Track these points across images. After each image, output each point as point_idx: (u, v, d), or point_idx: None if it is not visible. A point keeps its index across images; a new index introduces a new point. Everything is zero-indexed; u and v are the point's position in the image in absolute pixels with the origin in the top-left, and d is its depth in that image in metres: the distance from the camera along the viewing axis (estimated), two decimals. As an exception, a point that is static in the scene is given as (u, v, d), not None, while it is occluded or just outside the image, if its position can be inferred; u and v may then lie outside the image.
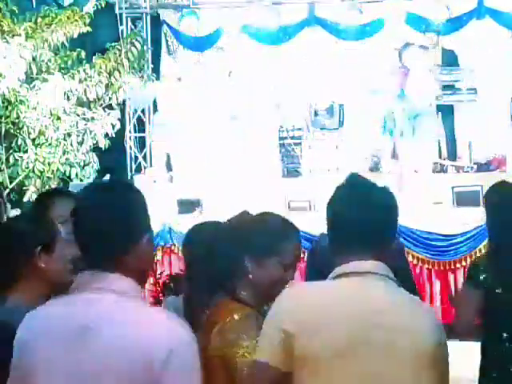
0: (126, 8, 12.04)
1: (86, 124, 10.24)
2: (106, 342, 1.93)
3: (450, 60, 10.19)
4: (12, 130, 9.98)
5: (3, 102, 9.76)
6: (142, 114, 11.76)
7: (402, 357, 2.17)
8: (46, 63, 10.23)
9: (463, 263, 8.21)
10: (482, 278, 3.82)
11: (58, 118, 9.96)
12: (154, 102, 10.89)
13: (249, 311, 2.66)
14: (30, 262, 2.64)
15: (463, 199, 8.86)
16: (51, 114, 9.88)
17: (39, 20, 10.24)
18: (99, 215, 2.02)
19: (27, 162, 9.89)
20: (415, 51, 9.45)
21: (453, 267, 8.20)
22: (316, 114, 10.78)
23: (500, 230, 3.88)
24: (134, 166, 11.79)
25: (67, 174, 10.24)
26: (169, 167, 10.33)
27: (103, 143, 10.34)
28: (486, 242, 8.05)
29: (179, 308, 3.22)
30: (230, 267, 2.75)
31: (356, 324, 2.19)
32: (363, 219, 2.25)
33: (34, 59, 9.93)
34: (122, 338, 1.92)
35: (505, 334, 3.80)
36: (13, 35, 9.73)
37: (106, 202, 2.04)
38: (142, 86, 10.22)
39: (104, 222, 2.01)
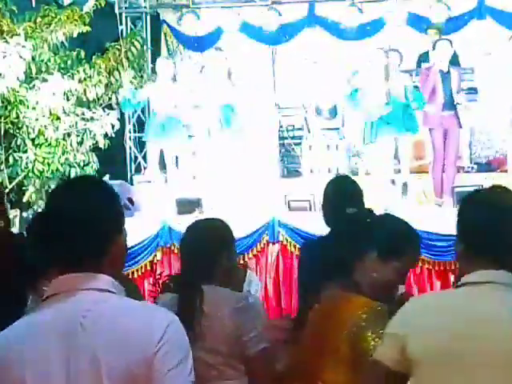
0: (125, 8, 12.04)
1: (85, 124, 10.22)
2: (99, 339, 1.93)
3: (450, 60, 10.16)
4: (11, 130, 9.96)
5: (2, 102, 9.75)
6: (141, 114, 11.75)
7: (504, 366, 2.19)
8: (46, 63, 10.22)
9: (463, 263, 8.19)
10: None
11: (58, 118, 9.94)
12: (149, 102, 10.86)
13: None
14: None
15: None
16: (51, 114, 9.87)
17: (39, 20, 10.22)
18: (75, 215, 2.00)
19: (26, 162, 9.87)
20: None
21: (453, 267, 8.17)
22: (316, 113, 10.76)
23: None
24: (133, 166, 11.78)
25: (67, 174, 10.22)
26: (167, 167, 10.31)
27: (103, 143, 10.33)
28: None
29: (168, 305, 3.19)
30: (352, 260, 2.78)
31: (459, 333, 2.22)
32: (495, 230, 2.29)
33: (33, 59, 9.91)
34: (113, 332, 1.94)
35: None
36: (12, 35, 9.72)
37: (79, 202, 2.03)
38: (133, 88, 10.20)
39: (80, 223, 2.00)
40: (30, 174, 9.95)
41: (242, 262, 7.81)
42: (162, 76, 9.99)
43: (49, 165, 9.96)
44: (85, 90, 10.36)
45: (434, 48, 9.61)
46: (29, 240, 2.38)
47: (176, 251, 8.70)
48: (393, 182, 9.61)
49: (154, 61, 11.63)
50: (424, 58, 10.67)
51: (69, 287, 2.00)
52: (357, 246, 2.81)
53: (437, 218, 8.54)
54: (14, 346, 1.96)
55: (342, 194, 4.07)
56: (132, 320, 1.96)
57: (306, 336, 2.87)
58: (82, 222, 2.00)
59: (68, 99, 10.13)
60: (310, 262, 4.05)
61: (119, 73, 10.78)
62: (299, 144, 11.02)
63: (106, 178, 10.57)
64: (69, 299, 1.98)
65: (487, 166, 10.59)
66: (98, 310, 1.97)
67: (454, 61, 10.14)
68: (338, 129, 10.41)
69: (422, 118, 9.48)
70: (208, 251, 3.36)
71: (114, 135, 10.46)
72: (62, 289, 2.01)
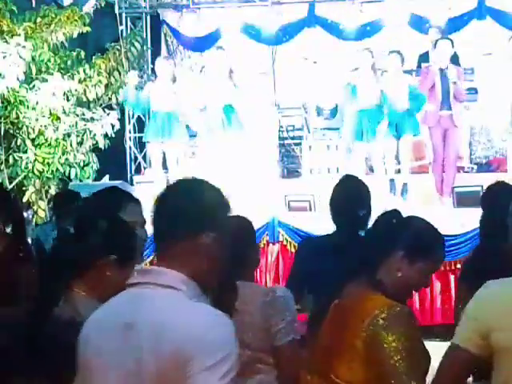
0: (125, 8, 12.05)
1: (85, 124, 10.22)
2: (143, 337, 1.96)
3: (450, 60, 10.16)
4: (11, 131, 9.97)
5: (3, 102, 9.75)
6: (141, 114, 11.75)
7: None
8: (46, 63, 10.22)
9: (464, 264, 8.19)
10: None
11: (58, 119, 9.94)
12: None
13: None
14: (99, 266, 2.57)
15: (463, 199, 8.84)
16: (51, 114, 9.87)
17: (39, 20, 10.23)
18: (164, 210, 2.08)
19: (27, 163, 9.88)
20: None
21: (453, 268, 8.15)
22: (316, 114, 10.76)
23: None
24: (133, 167, 11.78)
25: (67, 174, 10.23)
26: (167, 168, 10.31)
27: (103, 143, 10.33)
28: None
29: None
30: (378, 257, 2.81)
31: None
32: None
33: (33, 59, 9.92)
34: (155, 332, 1.95)
35: None
36: (12, 35, 9.72)
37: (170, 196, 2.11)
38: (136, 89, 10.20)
39: (163, 217, 2.07)
40: (30, 175, 9.95)
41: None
42: (162, 76, 9.99)
43: (49, 165, 9.97)
44: (85, 91, 10.37)
45: (434, 47, 9.62)
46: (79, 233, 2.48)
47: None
48: (393, 182, 9.61)
49: (153, 61, 11.61)
50: (424, 58, 10.67)
51: (139, 280, 2.06)
52: (382, 244, 2.83)
53: (437, 218, 8.53)
54: (83, 336, 2.09)
55: (354, 196, 4.11)
56: (175, 319, 1.95)
57: (324, 330, 2.88)
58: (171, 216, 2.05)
59: (68, 99, 10.14)
60: (316, 260, 4.07)
61: (119, 73, 10.79)
62: (299, 144, 11.01)
63: (106, 178, 10.59)
64: (131, 294, 2.05)
65: (487, 166, 10.59)
66: (149, 308, 1.99)
67: (454, 61, 10.14)
68: (338, 129, 10.40)
69: (422, 116, 9.49)
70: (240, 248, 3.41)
71: (114, 135, 10.46)
72: (133, 280, 2.08)
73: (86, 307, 2.39)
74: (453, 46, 9.55)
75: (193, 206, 2.06)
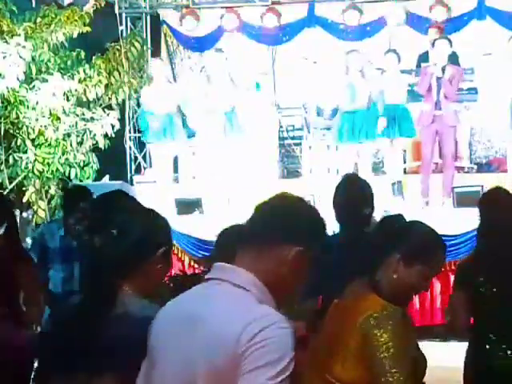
0: (125, 8, 12.05)
1: (85, 124, 10.22)
2: (207, 332, 2.00)
3: (450, 60, 10.16)
4: (11, 131, 9.96)
5: (3, 102, 9.74)
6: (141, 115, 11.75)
7: None
8: (46, 63, 10.22)
9: (463, 264, 8.19)
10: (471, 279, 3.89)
11: (58, 119, 9.94)
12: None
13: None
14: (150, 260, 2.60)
15: (463, 199, 8.85)
16: (51, 115, 9.86)
17: (39, 20, 10.22)
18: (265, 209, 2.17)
19: (26, 163, 9.87)
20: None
21: (453, 268, 8.13)
22: (316, 114, 10.76)
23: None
24: (133, 167, 11.78)
25: (67, 174, 10.22)
26: (166, 168, 10.32)
27: (103, 143, 10.33)
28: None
29: None
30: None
31: None
32: None
33: (33, 59, 9.91)
34: (215, 334, 1.98)
35: (491, 336, 3.84)
36: (12, 35, 9.72)
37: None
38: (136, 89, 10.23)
39: (257, 221, 2.15)
40: (30, 175, 9.94)
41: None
42: (157, 77, 10.01)
43: (49, 165, 9.96)
44: (85, 91, 10.36)
45: (433, 47, 9.62)
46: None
47: (176, 251, 8.71)
48: (392, 181, 9.61)
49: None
50: (424, 58, 10.67)
51: (214, 276, 2.12)
52: (383, 247, 2.85)
53: (437, 218, 8.54)
54: (153, 328, 2.18)
55: (358, 194, 4.12)
56: (236, 318, 1.97)
57: (324, 330, 2.91)
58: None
59: (68, 99, 10.13)
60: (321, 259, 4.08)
61: (119, 73, 10.78)
62: (299, 144, 11.02)
63: (106, 178, 10.59)
64: (202, 288, 2.13)
65: (487, 166, 10.59)
66: (216, 304, 2.04)
67: (454, 61, 10.14)
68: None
69: (417, 117, 9.48)
70: None
71: (114, 135, 10.46)
72: (209, 275, 2.14)
73: (133, 305, 2.44)
74: (451, 46, 9.56)
75: (287, 217, 2.13)
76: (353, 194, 4.15)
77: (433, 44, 9.63)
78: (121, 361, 2.31)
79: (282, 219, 2.12)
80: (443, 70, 9.23)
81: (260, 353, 1.92)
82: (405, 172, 10.20)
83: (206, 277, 2.15)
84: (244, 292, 2.04)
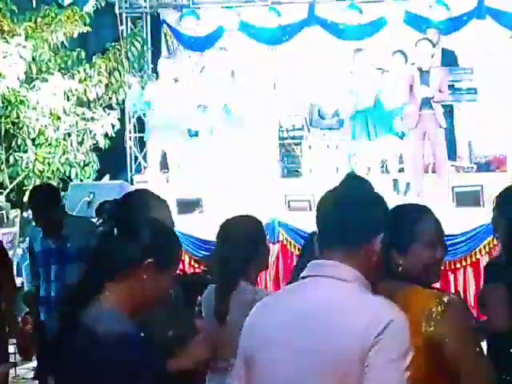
0: (125, 8, 12.04)
1: (85, 124, 10.24)
2: (324, 327, 1.99)
3: (449, 60, 10.17)
4: (12, 130, 9.98)
5: (3, 102, 9.76)
6: (141, 114, 11.75)
7: None
8: (46, 63, 10.23)
9: (463, 263, 8.19)
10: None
11: (58, 118, 9.95)
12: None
13: None
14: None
15: (463, 199, 8.85)
16: (51, 114, 9.88)
17: (39, 20, 10.24)
18: (341, 208, 2.21)
19: (27, 162, 9.89)
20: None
21: (453, 267, 8.17)
22: (317, 114, 10.76)
23: None
24: (133, 166, 11.78)
25: (67, 173, 10.24)
26: (167, 167, 10.32)
27: (103, 143, 10.34)
28: (486, 241, 8.08)
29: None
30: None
31: None
32: None
33: (33, 59, 9.93)
34: (338, 324, 1.97)
35: None
36: (12, 35, 9.74)
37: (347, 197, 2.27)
38: (139, 88, 10.20)
39: (344, 215, 2.17)
40: (31, 174, 9.96)
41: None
42: (164, 76, 9.99)
43: (49, 165, 9.98)
44: (85, 90, 10.37)
45: (416, 47, 9.54)
46: None
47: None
48: (392, 181, 9.62)
49: (154, 61, 11.64)
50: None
51: (311, 273, 2.12)
52: None
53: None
54: (248, 324, 2.18)
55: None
56: (353, 312, 1.97)
57: None
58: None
59: (68, 99, 10.15)
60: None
61: (119, 73, 10.80)
62: (299, 144, 11.02)
63: (106, 177, 10.60)
64: (307, 286, 2.11)
65: (487, 166, 10.58)
66: (325, 299, 2.04)
67: (452, 61, 10.16)
68: (338, 129, 10.40)
69: (402, 118, 9.45)
70: (246, 248, 3.43)
71: (114, 135, 10.47)
72: (305, 273, 2.13)
73: (105, 318, 2.26)
74: (434, 46, 9.50)
75: (368, 213, 2.16)
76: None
77: (415, 45, 9.56)
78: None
79: (366, 216, 2.15)
80: (426, 71, 9.16)
81: (391, 346, 1.92)
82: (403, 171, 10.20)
83: (303, 274, 2.14)
84: (353, 285, 2.05)
